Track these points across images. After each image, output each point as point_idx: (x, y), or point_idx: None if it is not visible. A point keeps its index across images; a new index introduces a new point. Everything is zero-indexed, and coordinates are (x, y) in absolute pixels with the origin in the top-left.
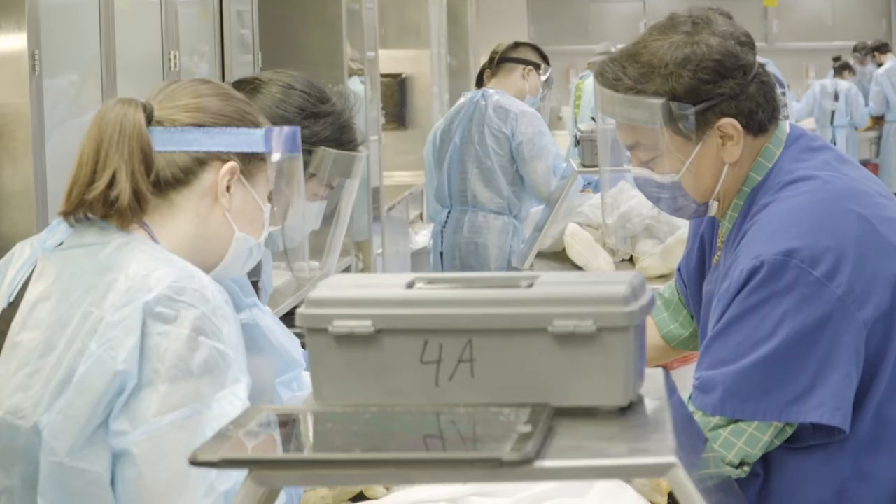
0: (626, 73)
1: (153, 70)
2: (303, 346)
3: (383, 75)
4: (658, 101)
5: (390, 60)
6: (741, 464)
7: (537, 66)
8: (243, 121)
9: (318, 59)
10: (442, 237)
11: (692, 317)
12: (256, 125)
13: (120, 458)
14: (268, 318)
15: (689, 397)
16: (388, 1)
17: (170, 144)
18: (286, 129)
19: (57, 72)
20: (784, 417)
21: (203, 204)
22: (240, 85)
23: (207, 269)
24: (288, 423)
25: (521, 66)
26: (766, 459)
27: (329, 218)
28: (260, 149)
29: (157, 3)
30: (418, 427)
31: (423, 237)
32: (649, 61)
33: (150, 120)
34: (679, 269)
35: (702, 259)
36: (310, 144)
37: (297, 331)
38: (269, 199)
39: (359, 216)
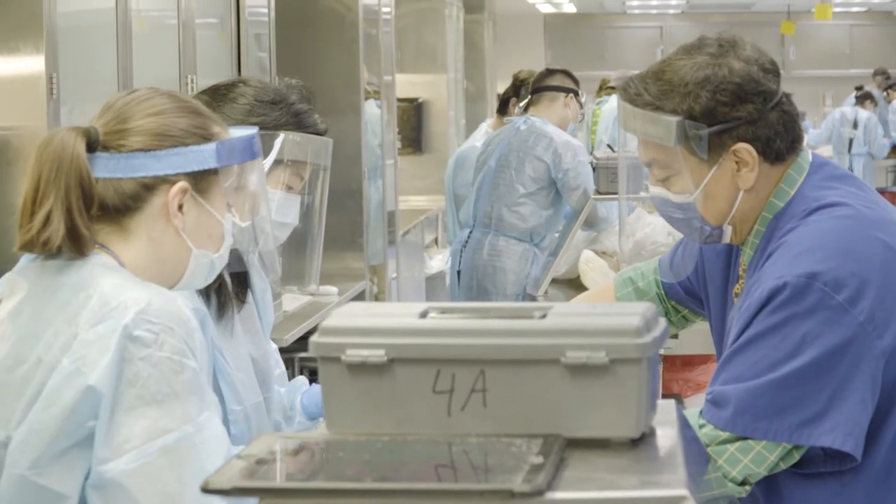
0: (648, 89)
1: None
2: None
3: (400, 99)
4: (673, 119)
5: (407, 85)
6: (743, 482)
7: (576, 93)
8: (195, 136)
9: (335, 82)
10: (461, 257)
11: (672, 310)
12: (208, 139)
13: (108, 486)
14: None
15: (700, 411)
16: (405, 25)
17: (115, 171)
18: (240, 138)
19: (74, 95)
20: (794, 439)
21: (156, 227)
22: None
23: (168, 286)
24: (299, 452)
25: (562, 95)
26: (776, 484)
27: (308, 218)
28: (211, 165)
29: (175, 26)
30: (430, 457)
31: (438, 262)
32: (670, 79)
33: (95, 146)
34: (671, 260)
35: (726, 273)
36: (271, 130)
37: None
38: (230, 207)
39: (374, 240)
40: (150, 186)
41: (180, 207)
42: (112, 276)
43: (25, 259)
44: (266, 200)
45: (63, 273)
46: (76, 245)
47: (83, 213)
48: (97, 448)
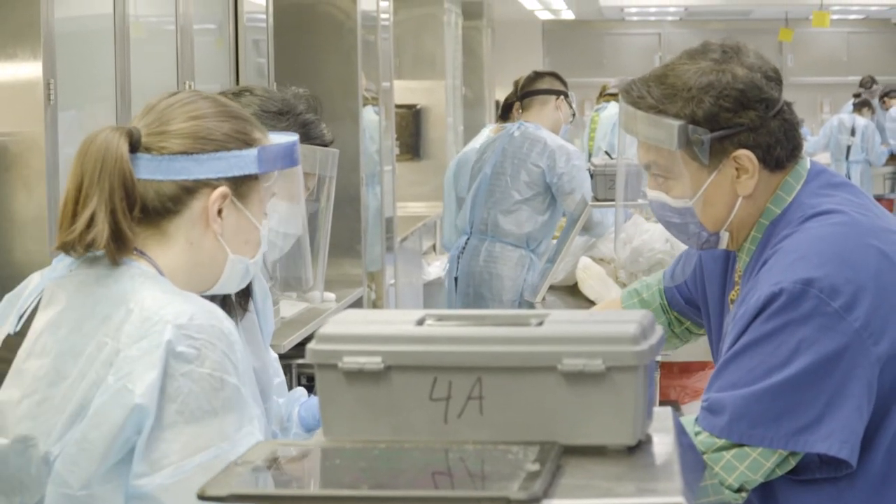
0: (651, 92)
1: None
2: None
3: (398, 106)
4: (676, 123)
5: (405, 91)
6: (740, 489)
7: (566, 94)
8: (236, 141)
9: (334, 88)
10: (458, 263)
11: (675, 321)
12: (250, 144)
13: (144, 500)
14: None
15: (696, 419)
16: (403, 31)
17: (157, 173)
18: (282, 145)
19: (72, 101)
20: (791, 446)
21: (195, 230)
22: None
23: (203, 290)
24: (296, 459)
25: (553, 97)
26: (773, 491)
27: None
28: (252, 171)
29: (173, 32)
30: (427, 464)
31: (435, 268)
32: (674, 83)
33: (137, 146)
34: (674, 268)
35: (723, 279)
36: None
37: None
38: (266, 214)
39: (372, 247)
40: (190, 190)
41: (220, 212)
42: (152, 287)
43: (59, 262)
44: (303, 207)
45: (102, 284)
46: (119, 247)
47: (126, 215)
48: (135, 462)
